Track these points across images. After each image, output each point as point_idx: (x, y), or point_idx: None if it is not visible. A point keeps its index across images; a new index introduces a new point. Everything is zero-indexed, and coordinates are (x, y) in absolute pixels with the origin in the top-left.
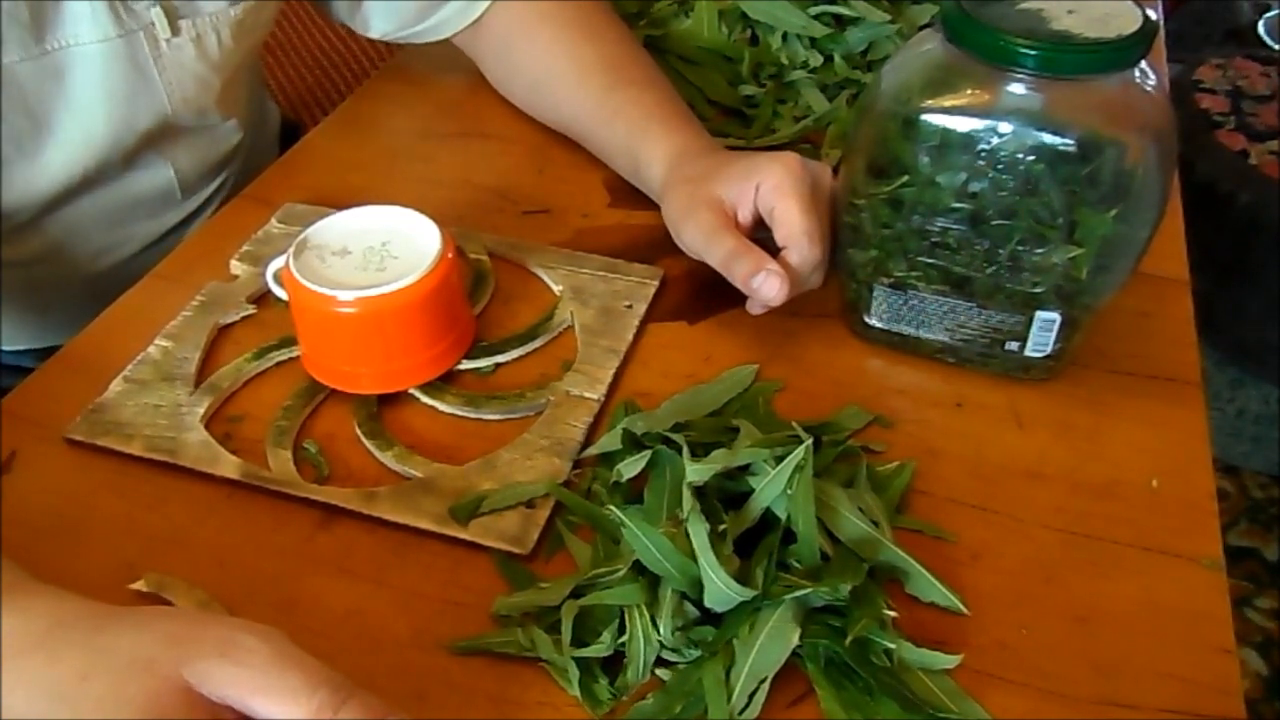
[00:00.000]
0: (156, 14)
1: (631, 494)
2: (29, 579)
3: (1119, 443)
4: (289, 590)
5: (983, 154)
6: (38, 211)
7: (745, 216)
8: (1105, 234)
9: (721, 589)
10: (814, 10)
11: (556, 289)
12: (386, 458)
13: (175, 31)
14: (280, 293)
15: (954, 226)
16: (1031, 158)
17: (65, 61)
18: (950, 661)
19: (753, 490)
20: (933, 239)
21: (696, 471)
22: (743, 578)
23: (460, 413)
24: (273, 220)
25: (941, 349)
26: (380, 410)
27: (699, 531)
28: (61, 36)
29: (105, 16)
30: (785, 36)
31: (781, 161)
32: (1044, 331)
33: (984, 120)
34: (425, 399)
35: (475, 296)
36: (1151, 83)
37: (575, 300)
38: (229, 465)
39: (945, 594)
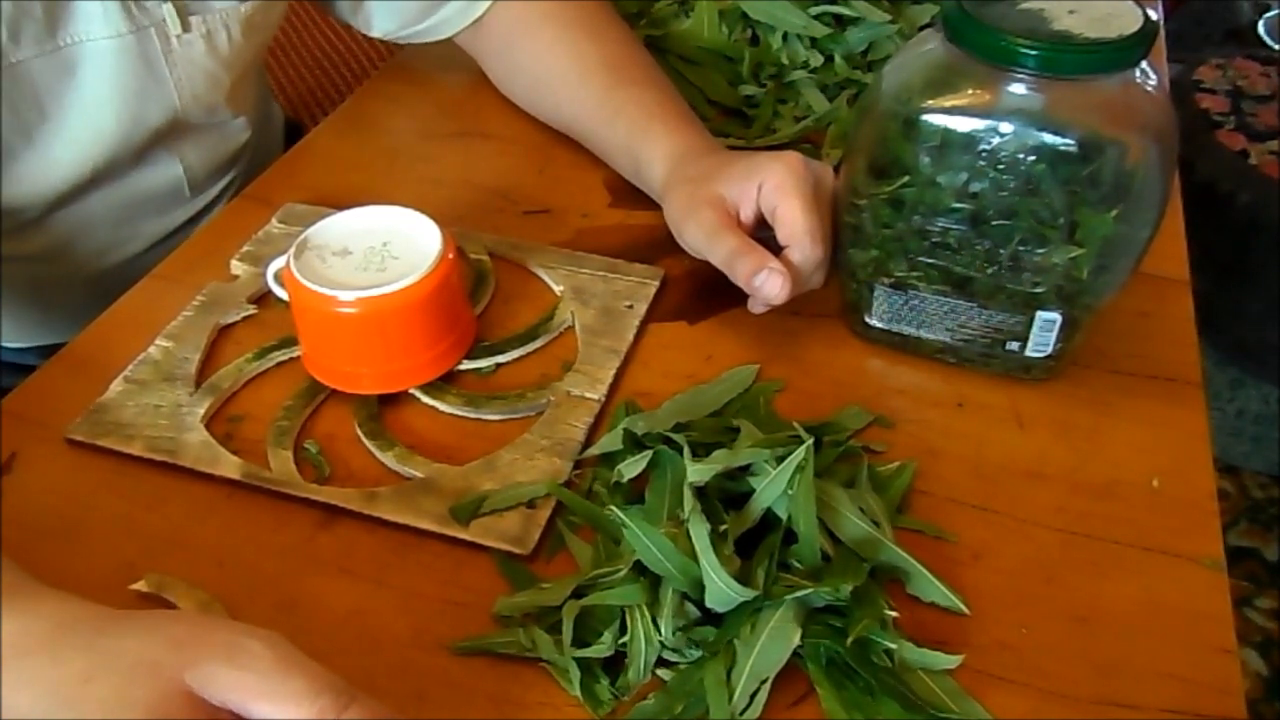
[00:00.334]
0: (168, 10)
1: (632, 494)
2: (31, 581)
3: (1119, 443)
4: (289, 590)
5: (983, 154)
6: (46, 208)
7: (747, 216)
8: (1106, 234)
9: (722, 589)
10: (814, 10)
11: (557, 289)
12: (387, 458)
13: (186, 28)
14: (281, 293)
15: (955, 226)
16: (1032, 158)
17: (77, 57)
18: (951, 662)
19: (754, 490)
20: (933, 239)
21: (697, 472)
22: (744, 578)
23: (461, 413)
24: (273, 220)
25: (942, 349)
26: (381, 410)
27: (700, 532)
28: (74, 32)
29: (117, 13)
30: (785, 36)
31: (783, 161)
32: (1044, 332)
33: (985, 120)
34: (426, 399)
35: (476, 296)
36: (1152, 83)
37: (576, 300)
38: (229, 465)
39: (946, 594)
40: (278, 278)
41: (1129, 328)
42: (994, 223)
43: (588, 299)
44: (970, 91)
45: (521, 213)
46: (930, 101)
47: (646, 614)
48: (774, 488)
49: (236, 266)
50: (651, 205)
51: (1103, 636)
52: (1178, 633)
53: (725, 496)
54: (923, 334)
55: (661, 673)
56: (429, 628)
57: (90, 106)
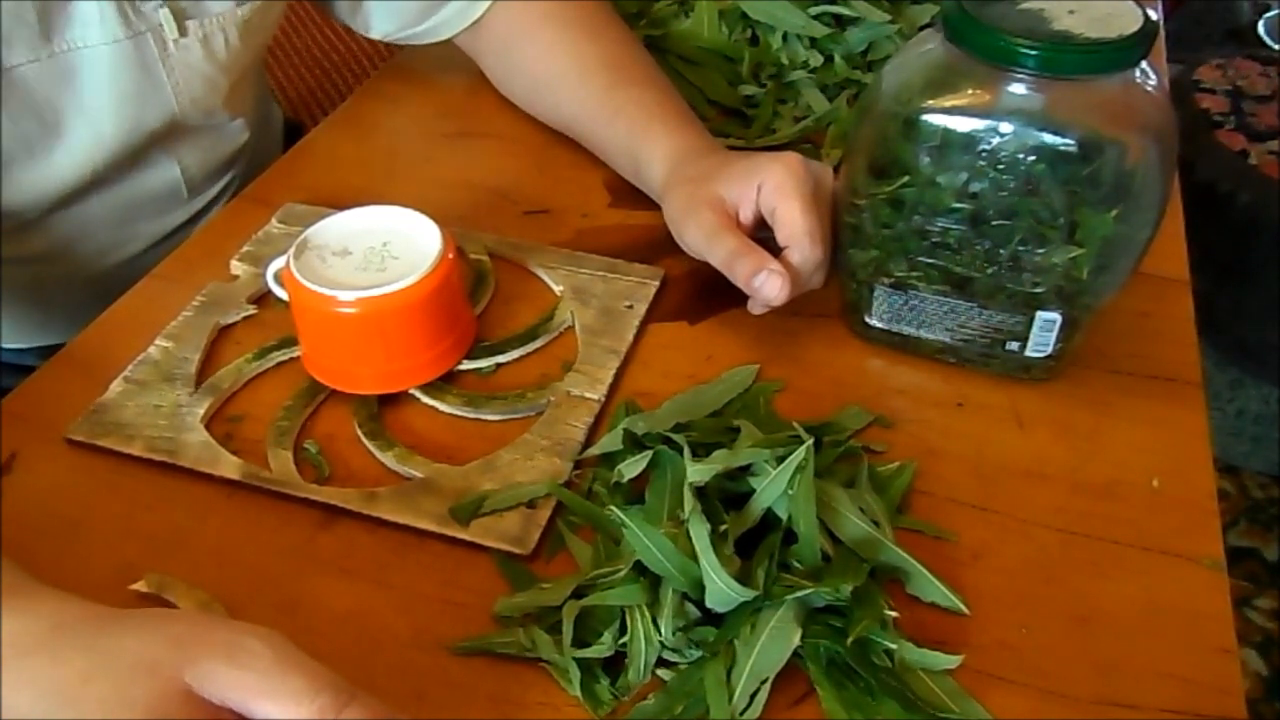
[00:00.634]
0: (164, 15)
1: (632, 494)
2: (31, 580)
3: (1119, 443)
4: (289, 590)
5: (983, 154)
6: (44, 210)
7: (747, 216)
8: (1106, 234)
9: (723, 589)
10: (814, 10)
11: (557, 289)
12: (387, 458)
13: (183, 32)
14: (281, 293)
15: (955, 227)
16: (1032, 158)
17: (74, 63)
18: (951, 662)
19: (754, 490)
20: (933, 239)
21: (697, 472)
22: (744, 578)
23: (461, 413)
24: (273, 220)
25: (942, 349)
26: (381, 410)
27: (700, 532)
28: (70, 38)
29: (114, 18)
30: (785, 36)
31: (783, 161)
32: (1044, 332)
33: (985, 120)
34: (426, 399)
35: (476, 296)
36: (1152, 83)
37: (576, 300)
38: (229, 465)
39: (946, 594)
40: (278, 278)
41: (1129, 328)
42: (994, 223)
43: (588, 299)
44: (970, 91)
45: (521, 213)
46: (930, 101)
47: (646, 614)
48: (774, 488)
49: (236, 266)
50: (651, 205)
51: (1103, 636)
52: (1178, 633)
53: (725, 496)
54: (923, 334)
55: (662, 673)
56: (429, 628)
57: (88, 112)
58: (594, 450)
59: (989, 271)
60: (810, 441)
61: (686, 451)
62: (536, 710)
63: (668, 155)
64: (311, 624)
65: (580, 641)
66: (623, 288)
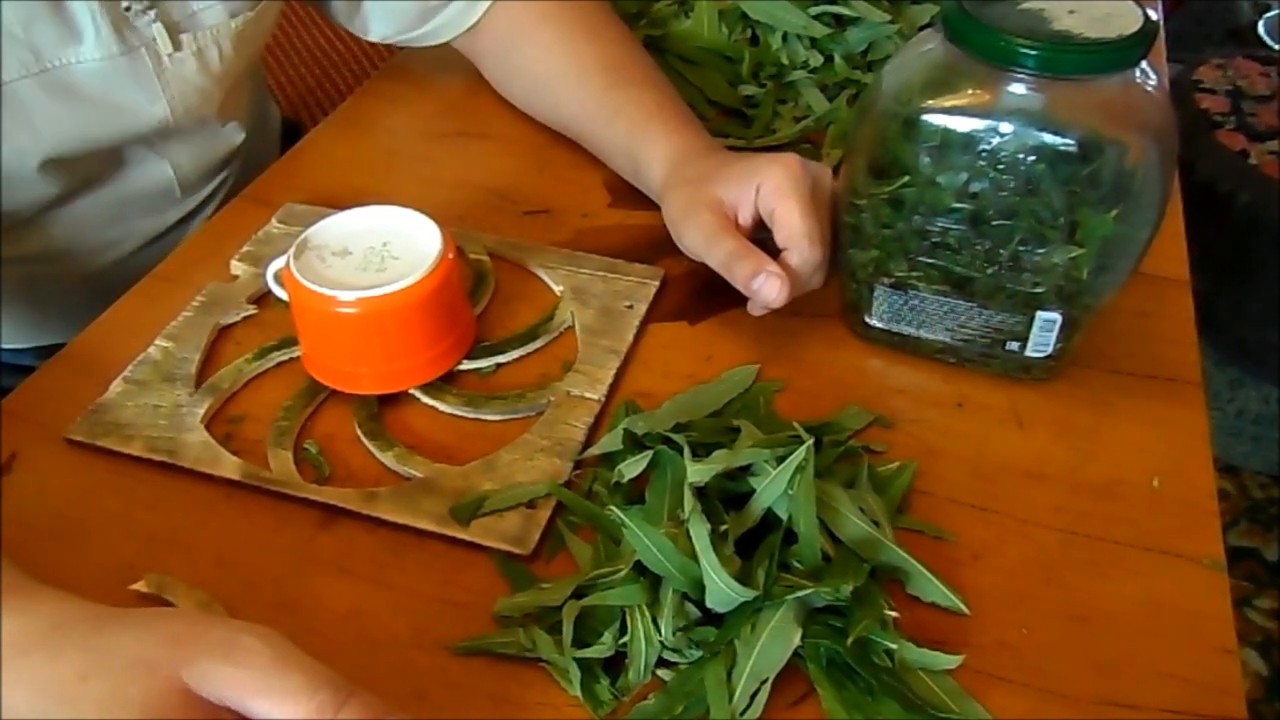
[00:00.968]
0: (158, 30)
1: (632, 494)
2: (29, 580)
3: (1119, 443)
4: (289, 590)
5: (983, 154)
6: (35, 211)
7: (745, 218)
8: (1106, 234)
9: (723, 589)
10: (814, 10)
11: (557, 289)
12: (387, 458)
13: (177, 46)
14: (281, 293)
15: (955, 227)
16: (1032, 158)
17: (69, 79)
18: (951, 662)
19: (754, 490)
20: (933, 239)
21: (698, 472)
22: (744, 578)
23: (461, 413)
24: (273, 221)
25: (942, 349)
26: (381, 410)
27: (700, 532)
28: (65, 54)
29: (108, 34)
30: (785, 36)
31: (782, 163)
32: (1045, 332)
33: (985, 120)
34: (426, 399)
35: (476, 297)
36: (1152, 83)
37: (576, 300)
38: (229, 465)
39: (946, 594)
40: (278, 278)
41: (1129, 328)
42: (994, 223)
43: (588, 299)
44: (970, 91)
45: (521, 213)
46: (930, 101)
47: (647, 614)
48: (774, 488)
49: (236, 267)
50: (651, 205)
51: (1103, 636)
52: (1178, 633)
53: (725, 496)
54: (923, 334)
55: (662, 673)
56: (429, 628)
57: (81, 124)
58: (594, 450)
59: (989, 271)
60: (810, 441)
61: (686, 451)
62: (536, 710)
63: (667, 156)
64: (311, 624)
65: (580, 641)
66: (623, 288)
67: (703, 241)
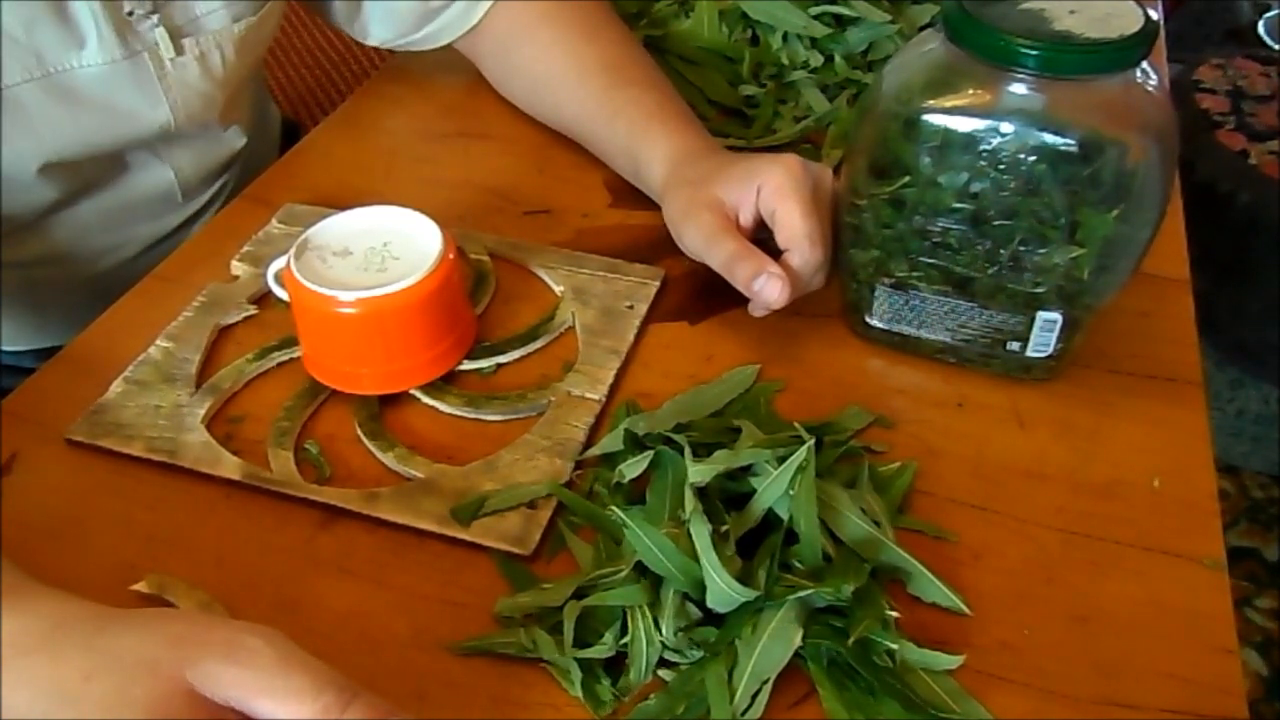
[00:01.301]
0: (160, 34)
1: (633, 495)
2: (30, 580)
3: (1120, 443)
4: (290, 591)
5: (984, 154)
6: (36, 215)
7: (746, 219)
8: (1106, 234)
9: (724, 590)
10: (814, 10)
11: (557, 289)
12: (387, 458)
13: (179, 51)
14: (281, 293)
15: (955, 227)
16: (1033, 158)
17: (70, 83)
18: (952, 662)
19: (755, 491)
20: (934, 239)
21: (698, 472)
22: (745, 578)
23: (461, 413)
24: (273, 221)
25: (943, 349)
26: (381, 411)
27: (701, 532)
28: (67, 59)
29: (111, 39)
30: (785, 36)
31: (782, 164)
32: (1045, 332)
33: (985, 120)
34: (426, 399)
35: (476, 297)
36: (1153, 83)
37: (576, 300)
38: (230, 466)
39: (947, 594)
40: (278, 278)
41: (1129, 328)
42: (994, 223)
43: (588, 299)
44: (971, 91)
45: (521, 213)
46: (931, 101)
47: (648, 614)
48: (775, 488)
49: (236, 267)
50: (651, 205)
51: (1103, 636)
52: (1178, 633)
53: (726, 497)
54: (923, 334)
55: (663, 673)
56: (429, 628)
57: (83, 129)
58: (595, 450)
59: (990, 271)
60: (811, 442)
61: (687, 452)
62: (537, 710)
63: (667, 156)
64: (312, 624)
65: (581, 642)
66: (623, 288)
67: (703, 242)
